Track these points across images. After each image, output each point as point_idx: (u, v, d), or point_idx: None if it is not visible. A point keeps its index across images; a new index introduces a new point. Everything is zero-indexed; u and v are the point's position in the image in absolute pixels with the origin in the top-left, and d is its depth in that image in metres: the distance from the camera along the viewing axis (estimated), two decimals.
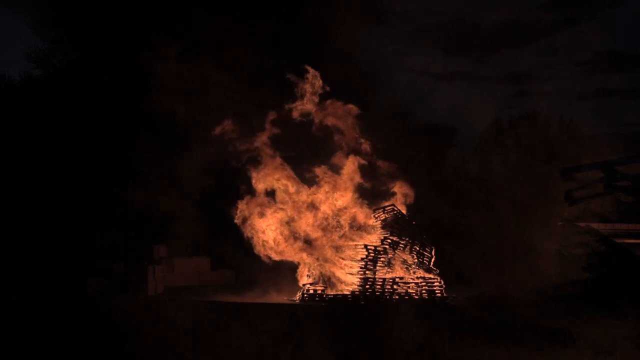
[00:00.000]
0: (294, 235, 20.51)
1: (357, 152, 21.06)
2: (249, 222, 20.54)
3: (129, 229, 23.66)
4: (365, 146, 21.04)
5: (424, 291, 20.32)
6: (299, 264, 20.85)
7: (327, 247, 20.37)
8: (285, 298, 20.70)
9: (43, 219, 25.26)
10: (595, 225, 22.10)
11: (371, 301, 19.73)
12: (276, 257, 20.56)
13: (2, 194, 25.95)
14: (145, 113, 24.01)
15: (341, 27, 25.30)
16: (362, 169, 21.00)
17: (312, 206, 20.66)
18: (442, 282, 20.66)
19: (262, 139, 20.92)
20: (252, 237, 20.52)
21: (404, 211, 21.03)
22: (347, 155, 21.03)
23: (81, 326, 18.46)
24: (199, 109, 23.58)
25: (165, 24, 24.70)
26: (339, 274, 20.46)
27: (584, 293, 19.70)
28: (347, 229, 20.69)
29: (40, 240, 24.98)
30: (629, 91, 73.78)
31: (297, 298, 20.43)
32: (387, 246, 20.37)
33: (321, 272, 20.49)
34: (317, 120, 21.22)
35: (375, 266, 20.19)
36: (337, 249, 20.45)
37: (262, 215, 20.56)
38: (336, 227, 20.67)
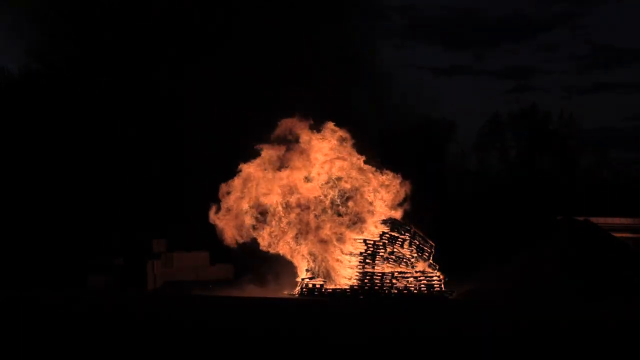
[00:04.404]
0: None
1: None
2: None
3: (128, 224, 23.65)
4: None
5: (422, 286, 20.30)
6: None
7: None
8: (285, 292, 20.66)
9: (43, 216, 25.24)
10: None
11: (370, 295, 19.69)
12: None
13: (1, 192, 25.96)
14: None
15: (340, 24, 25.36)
16: None
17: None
18: (442, 277, 20.63)
19: None
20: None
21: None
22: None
23: (81, 324, 18.39)
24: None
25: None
26: (338, 267, 20.40)
27: None
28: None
29: (40, 238, 24.95)
30: (629, 85, 73.99)
31: (297, 292, 20.43)
32: (386, 241, 20.34)
33: (321, 266, 20.43)
34: None
35: (374, 260, 20.16)
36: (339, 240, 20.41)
37: None
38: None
